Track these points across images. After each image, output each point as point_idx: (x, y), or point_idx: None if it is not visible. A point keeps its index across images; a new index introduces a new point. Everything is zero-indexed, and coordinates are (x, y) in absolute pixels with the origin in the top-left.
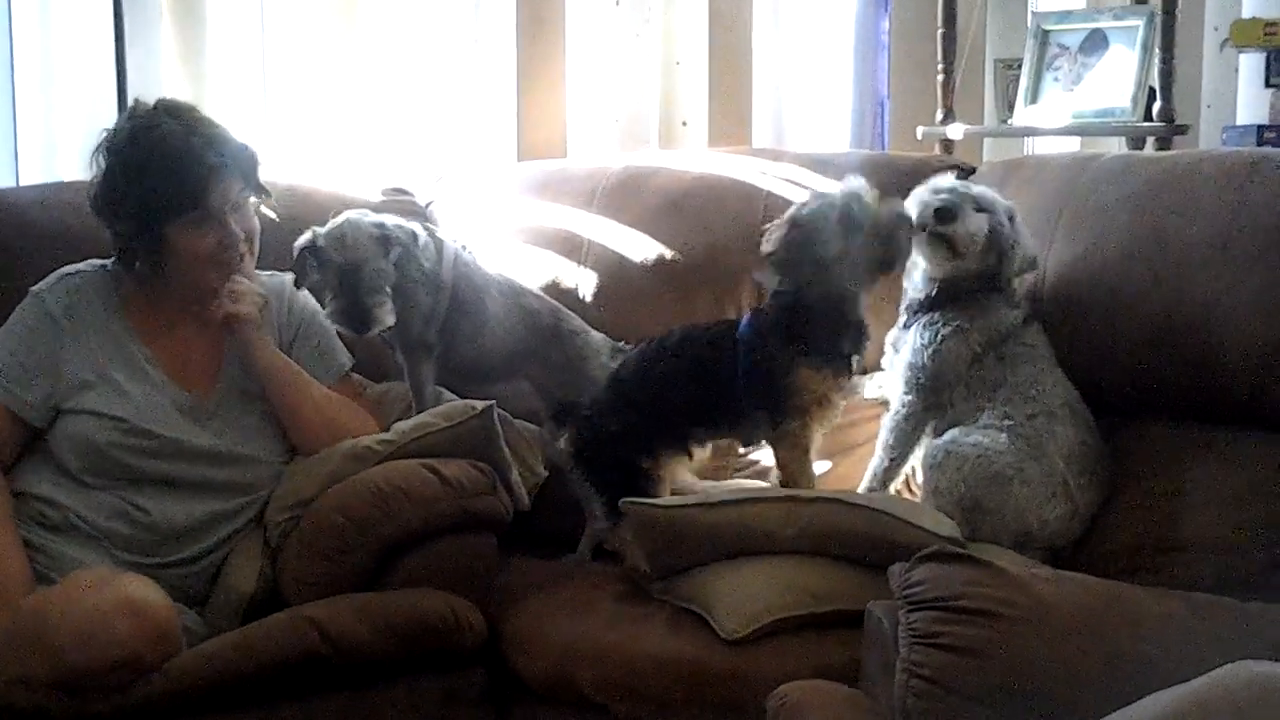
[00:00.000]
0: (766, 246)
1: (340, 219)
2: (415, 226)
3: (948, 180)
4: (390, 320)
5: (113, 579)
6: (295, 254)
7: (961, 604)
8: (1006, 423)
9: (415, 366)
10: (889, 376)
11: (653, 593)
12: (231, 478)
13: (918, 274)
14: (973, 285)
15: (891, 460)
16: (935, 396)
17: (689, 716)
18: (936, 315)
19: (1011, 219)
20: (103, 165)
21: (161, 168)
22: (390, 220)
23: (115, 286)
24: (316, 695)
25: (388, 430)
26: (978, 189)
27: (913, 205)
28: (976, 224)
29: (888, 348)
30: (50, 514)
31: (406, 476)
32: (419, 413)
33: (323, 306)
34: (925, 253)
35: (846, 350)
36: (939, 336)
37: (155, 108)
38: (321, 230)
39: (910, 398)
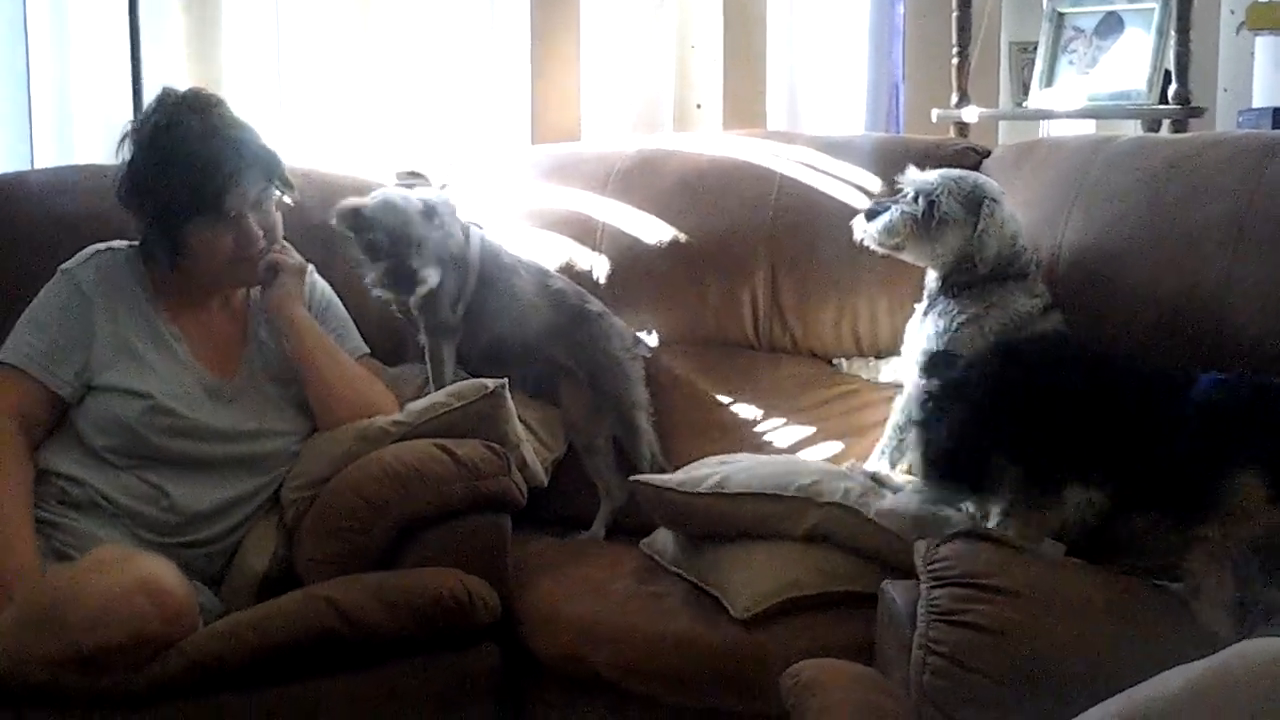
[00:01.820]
0: None
1: (380, 192)
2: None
3: (908, 175)
4: (435, 280)
5: (129, 558)
6: (338, 220)
7: (985, 582)
8: None
9: (437, 347)
10: (905, 361)
11: (667, 566)
12: (251, 453)
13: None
14: (982, 274)
15: (900, 441)
16: None
17: (703, 695)
18: (952, 304)
19: (980, 202)
20: (127, 156)
21: (181, 169)
22: (424, 193)
23: (143, 266)
24: (332, 673)
25: (400, 410)
26: (932, 176)
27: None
28: (885, 221)
29: (906, 333)
30: (73, 492)
31: (420, 457)
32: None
33: (369, 270)
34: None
35: None
36: (953, 324)
37: (181, 101)
38: (363, 200)
39: (923, 382)
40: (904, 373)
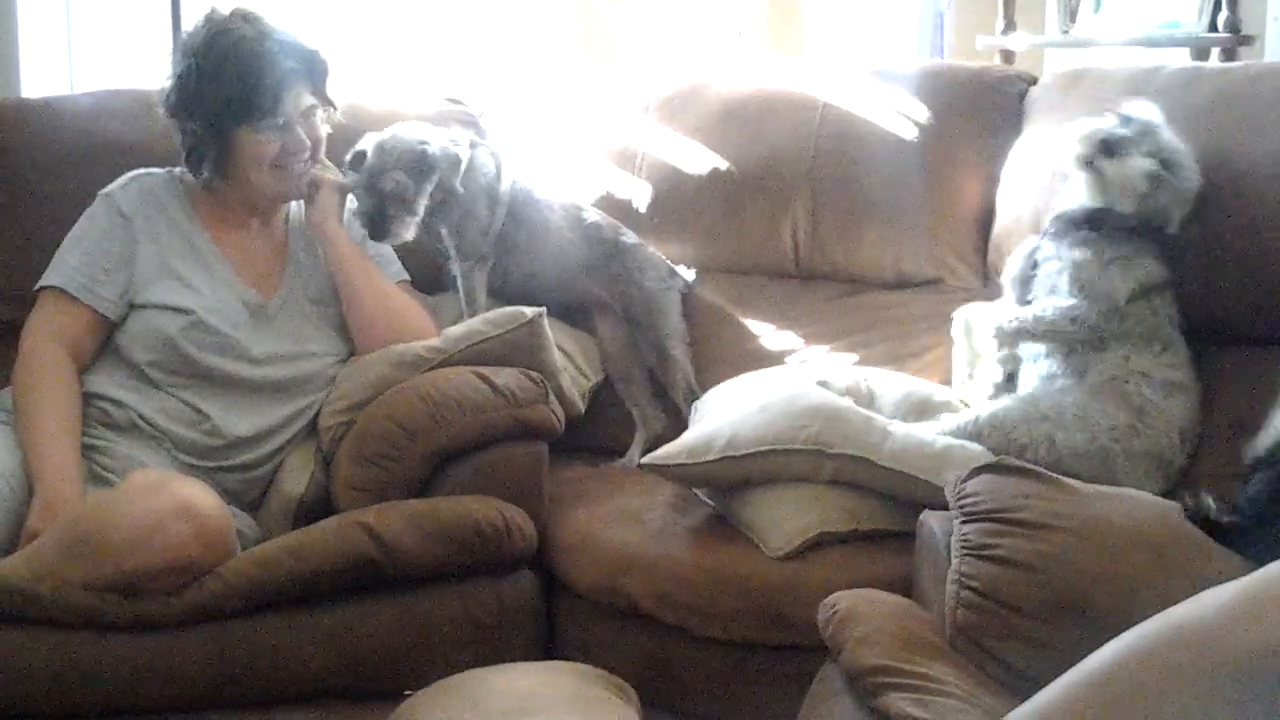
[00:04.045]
0: None
1: (391, 129)
2: (476, 139)
3: (1139, 110)
4: (407, 236)
5: (169, 483)
6: (350, 156)
7: (1016, 516)
8: (1134, 391)
9: (469, 276)
10: (1041, 291)
11: (702, 498)
12: (290, 376)
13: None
14: (1130, 222)
15: (1020, 334)
16: (1103, 319)
17: (738, 627)
18: (1097, 236)
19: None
20: (178, 68)
21: (236, 72)
22: (440, 141)
23: (184, 188)
24: (368, 599)
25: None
26: (1159, 127)
27: (1076, 134)
28: (1138, 169)
29: (1019, 260)
30: (115, 414)
31: (458, 385)
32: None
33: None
34: (1083, 181)
35: None
36: (1104, 257)
37: (231, 14)
38: (374, 136)
39: (1083, 301)
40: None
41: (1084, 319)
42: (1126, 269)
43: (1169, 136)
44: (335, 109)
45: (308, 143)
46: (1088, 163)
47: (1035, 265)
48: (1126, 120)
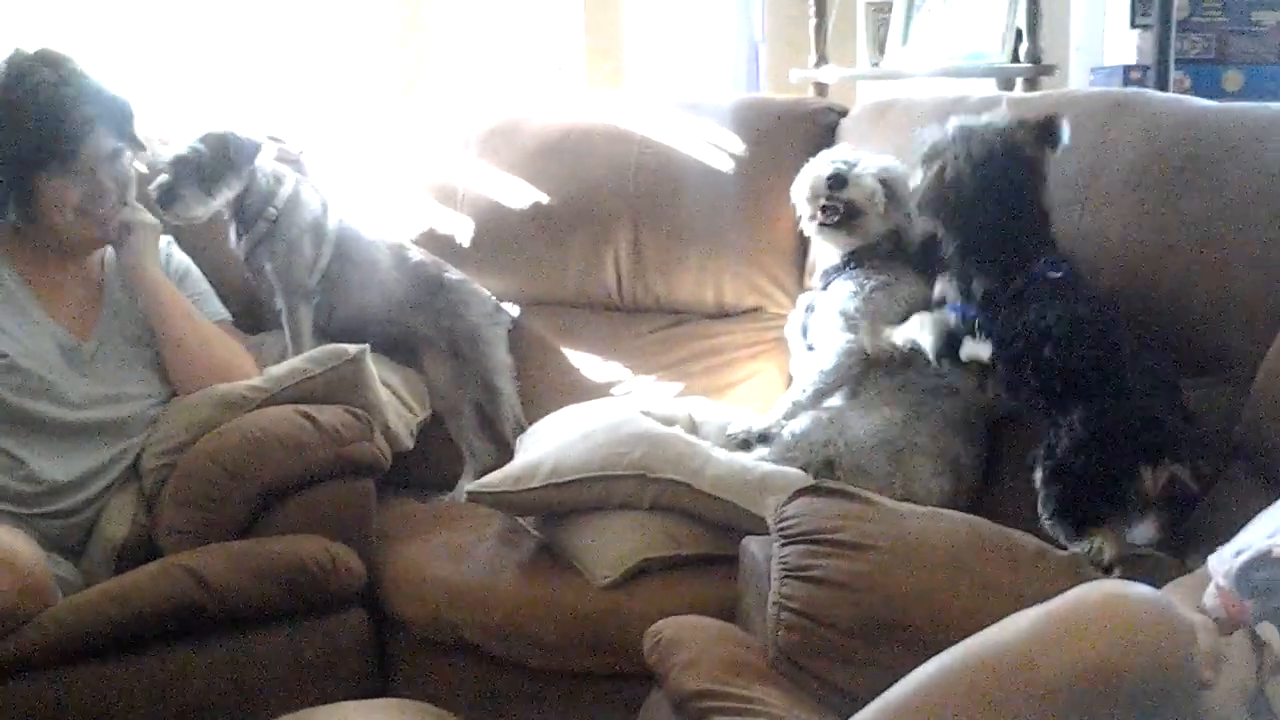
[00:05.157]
0: None
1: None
2: (298, 175)
3: (835, 153)
4: (197, 212)
5: None
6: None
7: (833, 537)
8: (905, 396)
9: (294, 312)
10: (817, 336)
11: (530, 530)
12: (110, 419)
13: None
14: (882, 250)
15: (819, 396)
16: (873, 338)
17: (568, 657)
18: (857, 271)
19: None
20: None
21: (33, 119)
22: (250, 135)
23: None
24: (194, 643)
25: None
26: (867, 157)
27: (803, 187)
28: (869, 184)
29: (799, 313)
30: None
31: (281, 423)
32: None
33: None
34: (826, 235)
35: None
36: (866, 287)
37: (33, 57)
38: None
39: (852, 336)
40: (819, 343)
41: (858, 350)
42: (890, 293)
43: (881, 158)
44: (145, 150)
45: (112, 188)
46: (827, 209)
47: (811, 310)
48: (838, 160)
